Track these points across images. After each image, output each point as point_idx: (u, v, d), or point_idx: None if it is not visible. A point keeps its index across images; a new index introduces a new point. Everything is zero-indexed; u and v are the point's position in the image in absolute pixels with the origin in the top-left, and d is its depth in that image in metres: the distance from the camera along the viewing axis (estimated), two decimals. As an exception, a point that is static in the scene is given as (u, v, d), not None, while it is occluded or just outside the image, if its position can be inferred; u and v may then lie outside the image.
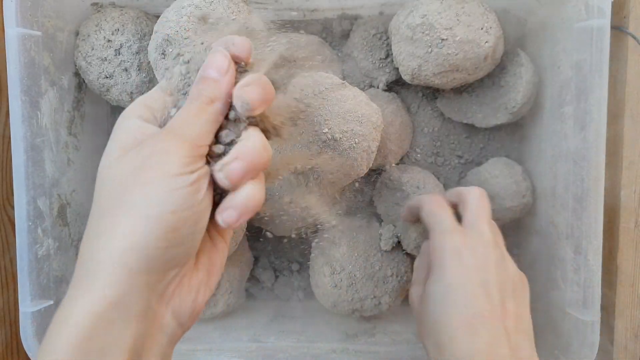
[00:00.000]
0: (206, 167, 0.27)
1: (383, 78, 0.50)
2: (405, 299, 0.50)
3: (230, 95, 0.28)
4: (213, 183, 0.28)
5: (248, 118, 0.28)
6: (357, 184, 0.52)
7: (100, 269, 0.25)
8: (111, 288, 0.25)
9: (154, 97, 0.31)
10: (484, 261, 0.36)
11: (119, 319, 0.25)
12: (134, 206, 0.25)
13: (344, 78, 0.51)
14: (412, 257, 0.50)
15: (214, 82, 0.28)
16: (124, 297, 0.25)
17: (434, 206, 0.40)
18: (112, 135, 0.29)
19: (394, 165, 0.51)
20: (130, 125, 0.29)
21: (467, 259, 0.36)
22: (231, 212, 0.27)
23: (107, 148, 0.29)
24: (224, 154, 0.28)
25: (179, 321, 0.28)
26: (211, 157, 0.28)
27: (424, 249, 0.42)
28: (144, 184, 0.25)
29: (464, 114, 0.51)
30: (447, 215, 0.39)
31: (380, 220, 0.51)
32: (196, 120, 0.27)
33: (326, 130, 0.40)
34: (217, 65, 0.28)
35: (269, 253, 0.56)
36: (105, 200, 0.27)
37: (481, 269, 0.36)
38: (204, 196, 0.27)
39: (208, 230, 0.29)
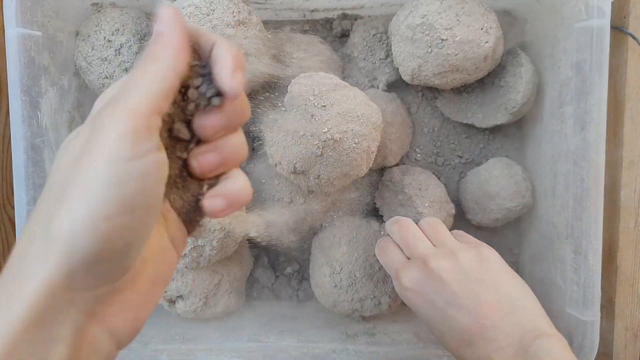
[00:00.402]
0: (157, 153, 0.21)
1: (383, 78, 0.50)
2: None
3: (182, 50, 0.23)
4: (175, 165, 0.23)
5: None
6: (357, 184, 0.52)
7: (24, 276, 0.21)
8: (31, 305, 0.20)
9: None
10: (439, 283, 0.38)
11: (41, 341, 0.21)
12: (68, 208, 0.20)
13: (344, 78, 0.51)
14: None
15: (158, 36, 0.23)
16: (46, 316, 0.21)
17: (401, 231, 0.43)
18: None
19: (395, 166, 0.51)
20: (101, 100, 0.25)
21: (427, 290, 0.39)
22: (220, 201, 0.25)
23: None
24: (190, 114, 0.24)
25: (117, 341, 0.23)
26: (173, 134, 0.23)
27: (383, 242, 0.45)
28: (77, 176, 0.20)
29: (464, 114, 0.51)
30: (410, 243, 0.42)
31: (382, 222, 0.51)
32: (135, 83, 0.22)
33: (326, 130, 0.40)
34: (161, 18, 0.23)
35: (269, 253, 0.56)
36: (47, 188, 0.22)
37: (440, 293, 0.38)
38: (156, 185, 0.21)
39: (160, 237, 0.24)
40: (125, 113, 0.21)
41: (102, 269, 0.21)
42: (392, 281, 0.48)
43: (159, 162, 0.22)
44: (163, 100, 0.22)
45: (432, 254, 0.39)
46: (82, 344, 0.22)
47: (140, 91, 0.22)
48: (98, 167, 0.20)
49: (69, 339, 0.21)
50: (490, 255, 0.39)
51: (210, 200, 0.25)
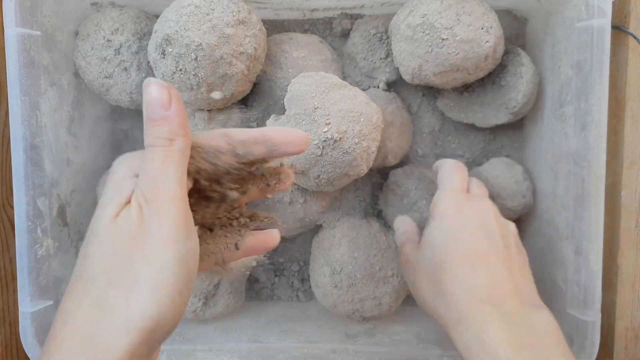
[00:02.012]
0: (195, 229, 0.26)
1: (383, 78, 0.50)
2: (406, 299, 0.50)
3: (184, 125, 0.26)
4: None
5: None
6: (357, 184, 0.51)
7: (102, 351, 0.24)
8: None
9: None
10: (485, 214, 0.39)
11: None
12: (144, 290, 0.24)
13: (344, 78, 0.51)
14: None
15: (164, 120, 0.26)
16: None
17: (451, 168, 0.43)
18: (106, 187, 0.27)
19: (398, 167, 0.50)
20: (121, 175, 0.27)
21: (468, 211, 0.39)
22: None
23: (101, 202, 0.27)
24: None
25: None
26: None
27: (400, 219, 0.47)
28: (138, 261, 0.24)
29: (464, 114, 0.51)
30: (459, 177, 0.42)
31: (384, 224, 0.51)
32: (165, 171, 0.25)
33: (326, 130, 0.40)
34: (157, 101, 0.26)
35: (269, 253, 0.56)
36: (103, 265, 0.25)
37: (482, 217, 0.38)
38: (197, 264, 0.26)
39: None
40: (172, 205, 0.25)
41: (174, 325, 0.25)
42: (392, 281, 0.48)
43: (196, 242, 0.26)
44: (185, 175, 0.26)
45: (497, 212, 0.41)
46: None
47: (171, 177, 0.26)
48: (164, 252, 0.24)
49: None
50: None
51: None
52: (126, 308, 0.24)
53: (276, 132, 0.29)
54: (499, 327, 0.33)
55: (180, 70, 0.42)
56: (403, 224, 0.46)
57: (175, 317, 0.25)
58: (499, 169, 0.50)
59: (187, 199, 0.26)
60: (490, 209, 0.40)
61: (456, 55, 0.43)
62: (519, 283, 0.36)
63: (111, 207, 0.26)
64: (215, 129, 0.29)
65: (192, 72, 0.42)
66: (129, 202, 0.26)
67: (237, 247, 0.30)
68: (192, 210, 0.27)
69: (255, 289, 0.56)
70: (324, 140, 0.40)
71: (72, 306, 0.25)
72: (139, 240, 0.25)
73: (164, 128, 0.26)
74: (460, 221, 0.38)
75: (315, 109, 0.40)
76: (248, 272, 0.53)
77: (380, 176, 0.53)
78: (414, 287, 0.40)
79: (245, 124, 0.50)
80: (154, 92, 0.26)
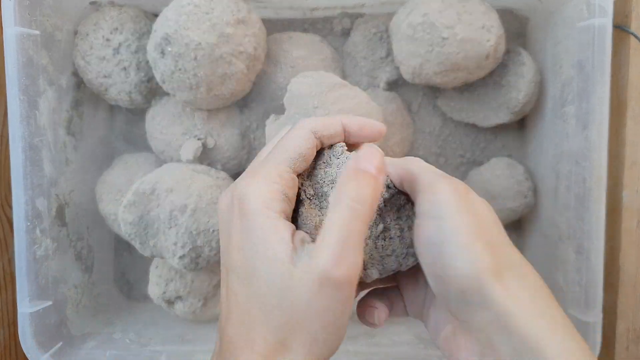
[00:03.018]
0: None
1: (384, 77, 0.50)
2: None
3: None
4: None
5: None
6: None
7: None
8: None
9: (283, 178, 0.26)
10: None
11: None
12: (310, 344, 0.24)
13: (344, 77, 0.51)
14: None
15: (371, 178, 0.24)
16: None
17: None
18: (255, 233, 0.25)
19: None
20: (277, 227, 0.25)
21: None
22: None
23: (266, 249, 0.24)
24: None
25: None
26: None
27: None
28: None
29: (465, 114, 0.51)
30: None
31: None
32: (352, 243, 0.23)
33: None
34: (375, 159, 0.24)
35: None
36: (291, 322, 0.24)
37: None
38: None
39: None
40: (354, 271, 0.24)
41: None
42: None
43: None
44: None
45: None
46: None
47: (359, 245, 0.24)
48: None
49: None
50: None
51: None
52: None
53: (355, 125, 0.28)
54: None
55: (180, 69, 0.42)
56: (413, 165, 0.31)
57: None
58: (500, 168, 0.49)
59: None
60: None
61: (457, 54, 0.43)
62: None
63: (276, 252, 0.24)
64: (300, 130, 0.27)
65: (192, 72, 0.41)
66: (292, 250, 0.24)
67: None
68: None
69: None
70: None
71: None
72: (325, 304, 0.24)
73: (372, 187, 0.24)
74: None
75: (315, 108, 0.40)
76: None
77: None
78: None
79: (245, 123, 0.50)
80: (375, 152, 0.25)
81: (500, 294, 0.24)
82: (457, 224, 0.25)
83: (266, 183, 0.25)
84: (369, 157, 0.25)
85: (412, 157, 0.30)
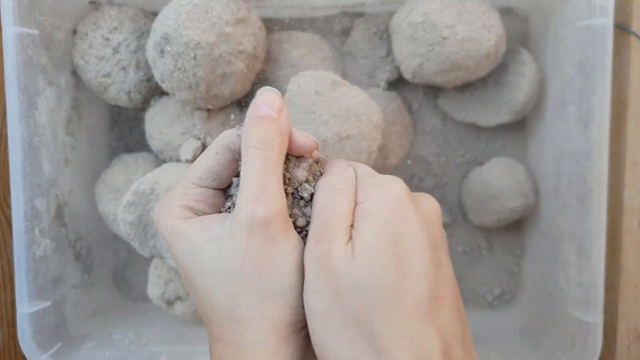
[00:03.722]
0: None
1: (384, 77, 0.50)
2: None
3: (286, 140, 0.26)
4: None
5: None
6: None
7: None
8: None
9: (187, 194, 0.27)
10: (432, 220, 0.27)
11: None
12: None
13: (344, 77, 0.51)
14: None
15: (271, 121, 0.25)
16: None
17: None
18: (181, 240, 0.26)
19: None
20: (191, 225, 0.26)
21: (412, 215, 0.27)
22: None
23: (193, 246, 0.25)
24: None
25: None
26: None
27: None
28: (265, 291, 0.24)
29: (466, 113, 0.51)
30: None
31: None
32: (268, 184, 0.24)
33: (326, 129, 0.40)
34: (273, 102, 0.25)
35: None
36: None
37: (429, 228, 0.27)
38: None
39: None
40: (282, 236, 0.24)
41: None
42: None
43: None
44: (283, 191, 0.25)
45: None
46: None
47: (276, 193, 0.24)
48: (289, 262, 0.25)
49: None
50: None
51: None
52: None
53: (295, 136, 0.27)
54: None
55: (179, 69, 0.41)
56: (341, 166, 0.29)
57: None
58: (501, 168, 0.49)
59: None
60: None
61: (457, 53, 0.43)
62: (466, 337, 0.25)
63: (196, 254, 0.25)
64: (211, 146, 0.28)
65: (191, 71, 0.41)
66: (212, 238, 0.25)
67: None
68: None
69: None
70: (324, 140, 0.40)
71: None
72: (253, 274, 0.24)
73: (271, 129, 0.25)
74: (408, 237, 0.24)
75: (315, 108, 0.40)
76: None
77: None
78: (326, 314, 0.24)
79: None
80: (271, 94, 0.26)
81: None
82: (312, 302, 0.24)
83: (172, 200, 0.27)
84: (267, 101, 0.25)
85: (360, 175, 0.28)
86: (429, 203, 0.26)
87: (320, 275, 0.23)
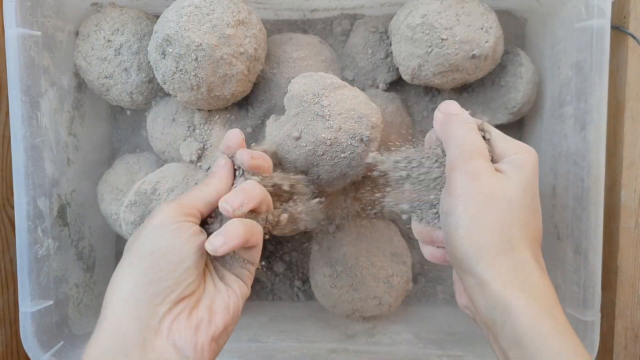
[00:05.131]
0: (190, 223, 0.32)
1: (383, 78, 0.50)
2: (406, 299, 0.50)
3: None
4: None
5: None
6: (357, 184, 0.51)
7: (105, 308, 0.30)
8: (109, 322, 0.30)
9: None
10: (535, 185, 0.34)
11: (118, 348, 0.29)
12: (128, 253, 0.32)
13: (343, 78, 0.51)
14: (412, 256, 0.50)
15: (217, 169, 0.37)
16: (120, 329, 0.29)
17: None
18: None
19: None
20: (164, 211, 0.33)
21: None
22: (219, 238, 0.31)
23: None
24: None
25: (183, 355, 0.30)
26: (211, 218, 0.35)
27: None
28: (136, 236, 0.32)
29: (464, 114, 0.51)
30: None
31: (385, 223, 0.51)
32: (194, 192, 0.34)
33: (326, 130, 0.40)
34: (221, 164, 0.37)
35: (270, 253, 0.56)
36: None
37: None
38: (186, 242, 0.31)
39: (211, 275, 0.34)
40: (175, 204, 0.33)
41: (156, 289, 0.31)
42: (392, 281, 0.48)
43: (191, 227, 0.32)
44: (203, 203, 0.34)
45: None
46: (152, 354, 0.29)
47: (191, 196, 0.34)
48: (146, 227, 0.33)
49: (139, 348, 0.29)
50: None
51: (210, 240, 0.32)
52: (114, 277, 0.32)
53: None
54: None
55: (181, 70, 0.42)
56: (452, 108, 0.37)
57: (146, 288, 0.30)
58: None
59: (192, 213, 0.34)
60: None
61: (456, 55, 0.43)
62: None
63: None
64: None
65: (193, 73, 0.42)
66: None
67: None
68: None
69: (255, 288, 0.56)
70: (324, 141, 0.40)
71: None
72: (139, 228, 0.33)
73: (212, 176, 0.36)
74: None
75: (315, 109, 0.40)
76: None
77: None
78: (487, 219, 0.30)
79: (245, 124, 0.50)
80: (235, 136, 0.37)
81: (482, 268, 0.29)
82: (462, 204, 0.30)
83: (167, 210, 0.33)
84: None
85: (454, 118, 0.35)
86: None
87: (473, 186, 0.30)
